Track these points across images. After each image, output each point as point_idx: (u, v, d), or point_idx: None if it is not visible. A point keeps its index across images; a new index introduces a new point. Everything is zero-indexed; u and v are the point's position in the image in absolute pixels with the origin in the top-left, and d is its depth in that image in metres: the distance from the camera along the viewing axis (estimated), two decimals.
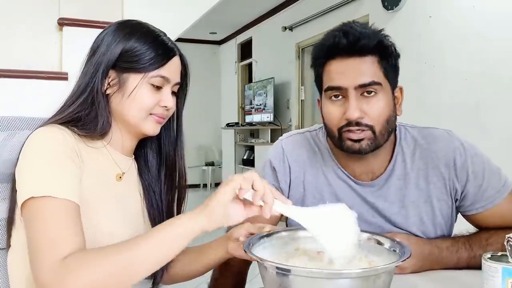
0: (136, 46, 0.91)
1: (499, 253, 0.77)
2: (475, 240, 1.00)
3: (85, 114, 0.90)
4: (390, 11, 3.61)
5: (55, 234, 0.74)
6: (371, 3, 3.92)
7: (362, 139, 0.97)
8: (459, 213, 1.09)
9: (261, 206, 0.78)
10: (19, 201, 0.79)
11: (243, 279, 1.18)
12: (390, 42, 1.00)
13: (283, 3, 5.58)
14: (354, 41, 0.95)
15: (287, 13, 5.56)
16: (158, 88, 0.93)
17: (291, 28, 5.43)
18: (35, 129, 0.86)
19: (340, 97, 0.98)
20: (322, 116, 1.04)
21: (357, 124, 0.96)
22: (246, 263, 1.12)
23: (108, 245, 0.76)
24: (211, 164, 7.74)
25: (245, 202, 0.79)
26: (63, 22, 2.12)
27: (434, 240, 1.02)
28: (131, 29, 0.94)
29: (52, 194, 0.76)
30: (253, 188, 0.78)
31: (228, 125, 6.80)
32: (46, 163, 0.80)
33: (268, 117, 5.81)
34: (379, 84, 0.96)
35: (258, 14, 6.25)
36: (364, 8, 4.05)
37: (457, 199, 1.05)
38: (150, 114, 0.93)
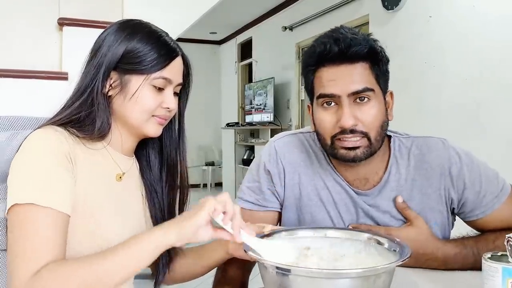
0: (138, 47, 0.90)
1: (499, 253, 0.77)
2: (483, 244, 0.99)
3: (85, 115, 0.90)
4: (390, 11, 3.61)
5: (33, 245, 0.74)
6: (371, 3, 3.92)
7: (357, 147, 0.96)
8: (461, 219, 1.08)
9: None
10: (7, 207, 0.78)
11: None
12: (380, 47, 0.99)
13: (283, 3, 5.58)
14: (345, 48, 0.93)
15: (287, 13, 5.56)
16: (160, 89, 0.92)
17: (291, 28, 5.43)
18: (33, 130, 0.86)
19: (333, 104, 0.97)
20: (314, 123, 1.03)
21: (352, 131, 0.95)
22: (245, 274, 1.11)
23: (81, 256, 0.76)
24: (211, 164, 7.74)
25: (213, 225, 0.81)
26: (63, 22, 2.12)
27: (444, 245, 1.00)
28: (133, 29, 0.92)
29: (35, 202, 0.75)
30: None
31: (228, 125, 6.80)
32: (34, 171, 0.79)
33: (268, 117, 5.81)
34: (371, 90, 0.95)
35: (258, 14, 6.25)
36: (364, 8, 4.05)
37: (454, 208, 1.05)
38: (152, 115, 0.93)
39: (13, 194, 0.78)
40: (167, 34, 0.96)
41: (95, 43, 0.94)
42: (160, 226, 0.79)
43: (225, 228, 0.80)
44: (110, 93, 0.92)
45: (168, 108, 0.93)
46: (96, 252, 0.77)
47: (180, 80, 0.96)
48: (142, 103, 0.90)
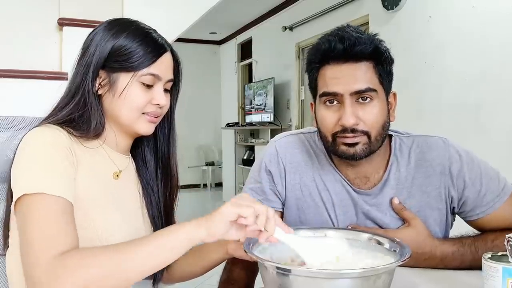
0: (125, 45, 0.90)
1: (499, 253, 0.77)
2: (481, 242, 0.99)
3: (79, 116, 0.90)
4: (390, 11, 3.61)
5: (50, 231, 0.74)
6: (371, 3, 3.92)
7: (357, 144, 0.96)
8: (462, 219, 1.08)
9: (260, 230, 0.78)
10: (14, 199, 0.79)
11: None
12: (385, 47, 1.00)
13: (283, 3, 5.58)
14: (349, 46, 0.94)
15: (287, 13, 5.56)
16: (149, 86, 0.92)
17: (291, 28, 5.43)
18: (30, 129, 0.86)
19: (335, 102, 0.97)
20: (316, 121, 1.04)
21: (352, 131, 0.96)
22: (250, 276, 1.11)
23: (107, 245, 0.76)
24: (211, 164, 7.74)
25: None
26: (63, 22, 2.12)
27: (441, 244, 1.00)
28: (120, 27, 0.92)
29: (45, 191, 0.76)
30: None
31: (228, 125, 6.80)
32: (40, 161, 0.80)
33: (268, 117, 5.81)
34: (374, 90, 0.96)
35: (258, 14, 6.25)
36: (364, 8, 4.05)
37: (454, 207, 1.05)
38: (143, 113, 0.92)
39: (21, 185, 0.78)
40: (155, 30, 0.96)
41: (84, 42, 0.94)
42: (192, 220, 0.78)
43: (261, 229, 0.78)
44: (99, 92, 0.92)
45: (158, 104, 0.93)
46: (126, 241, 0.76)
47: (170, 76, 0.96)
48: (131, 100, 0.90)
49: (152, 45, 0.92)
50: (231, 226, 0.77)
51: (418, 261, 0.98)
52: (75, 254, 0.72)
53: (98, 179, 0.91)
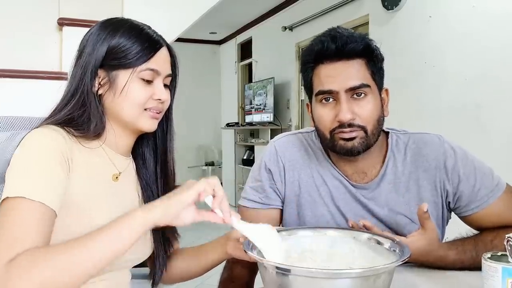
0: (121, 42, 0.90)
1: (499, 253, 0.78)
2: (481, 244, 1.00)
3: (78, 116, 0.90)
4: (390, 11, 3.61)
5: (12, 234, 0.72)
6: (371, 3, 3.92)
7: (354, 138, 0.99)
8: (458, 216, 1.09)
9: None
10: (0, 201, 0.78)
11: None
12: (376, 45, 1.04)
13: (283, 3, 5.58)
14: (342, 45, 0.98)
15: (287, 13, 5.56)
16: (149, 82, 0.92)
17: (291, 28, 5.43)
18: (30, 130, 0.86)
19: (331, 100, 1.00)
20: (313, 120, 1.07)
21: (349, 125, 0.98)
22: (251, 274, 1.12)
23: (60, 243, 0.74)
24: (211, 164, 7.74)
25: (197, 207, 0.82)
26: (63, 22, 2.12)
27: (445, 252, 0.99)
28: (114, 26, 0.93)
29: (26, 195, 0.75)
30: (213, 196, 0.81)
31: (228, 125, 6.80)
32: (30, 166, 0.79)
33: (268, 117, 5.81)
34: (368, 86, 0.99)
35: (258, 14, 6.25)
36: (364, 8, 4.05)
37: (449, 201, 1.06)
38: (145, 110, 0.93)
39: (6, 187, 0.77)
40: (149, 27, 0.96)
41: (80, 44, 0.95)
42: (145, 204, 0.79)
43: (215, 211, 0.81)
44: (100, 92, 0.92)
45: (159, 99, 0.93)
46: (76, 237, 0.74)
47: (169, 71, 0.96)
48: (132, 96, 0.90)
49: (148, 40, 0.92)
50: (183, 209, 0.79)
51: (422, 264, 0.99)
52: (27, 254, 0.70)
53: (97, 180, 0.90)
